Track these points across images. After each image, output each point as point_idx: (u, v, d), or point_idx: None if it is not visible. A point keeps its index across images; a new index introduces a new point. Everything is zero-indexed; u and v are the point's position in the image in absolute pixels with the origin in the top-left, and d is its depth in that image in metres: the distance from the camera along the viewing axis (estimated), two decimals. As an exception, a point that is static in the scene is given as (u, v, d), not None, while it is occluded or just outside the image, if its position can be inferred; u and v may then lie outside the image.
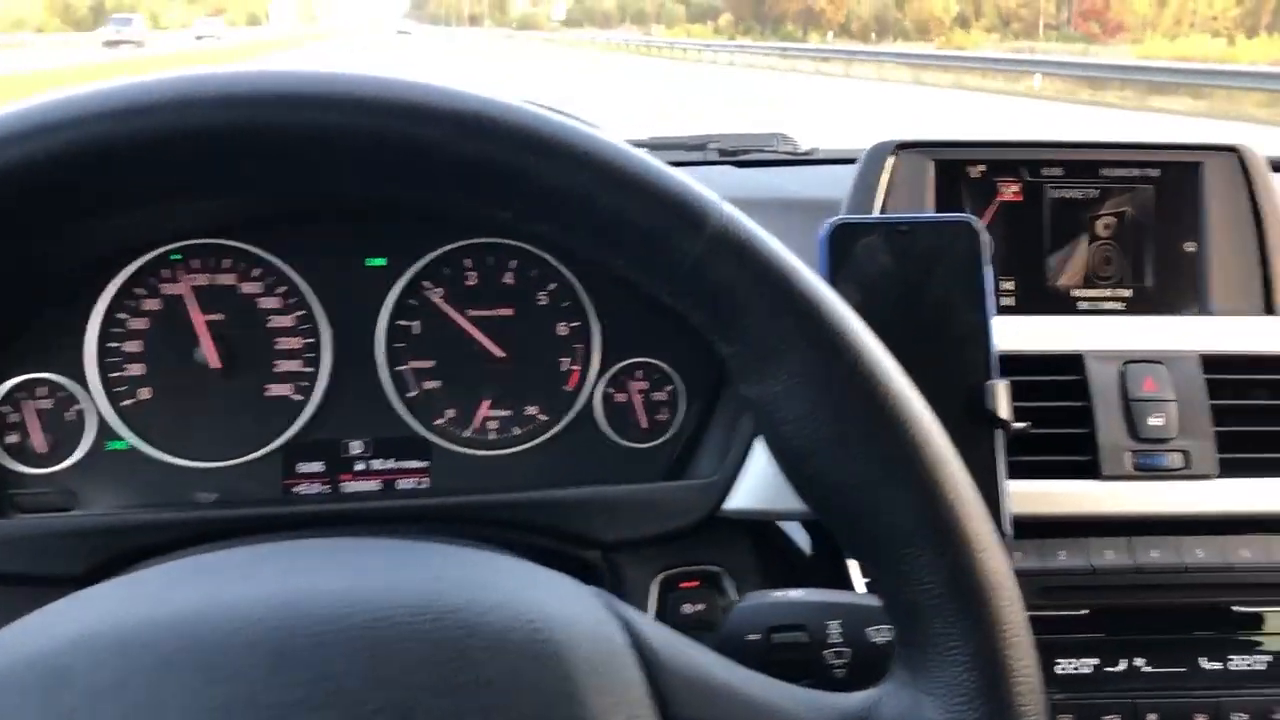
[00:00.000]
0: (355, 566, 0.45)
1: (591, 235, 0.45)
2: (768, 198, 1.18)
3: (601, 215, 0.44)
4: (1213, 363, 0.91)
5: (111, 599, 0.43)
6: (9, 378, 0.88)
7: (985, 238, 0.85)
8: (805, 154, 1.44)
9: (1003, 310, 1.03)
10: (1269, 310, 1.04)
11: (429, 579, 0.44)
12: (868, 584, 0.84)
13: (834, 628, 0.61)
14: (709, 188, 0.45)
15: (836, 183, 1.26)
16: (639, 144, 1.45)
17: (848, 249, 0.85)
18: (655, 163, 0.45)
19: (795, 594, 0.63)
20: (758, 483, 0.87)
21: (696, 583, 0.89)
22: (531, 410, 0.96)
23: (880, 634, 0.60)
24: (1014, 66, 22.92)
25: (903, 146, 1.04)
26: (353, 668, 0.39)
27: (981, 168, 1.04)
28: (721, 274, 0.44)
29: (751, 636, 0.62)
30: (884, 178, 1.03)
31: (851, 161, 1.44)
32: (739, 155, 1.38)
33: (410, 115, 0.42)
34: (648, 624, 0.46)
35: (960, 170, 1.04)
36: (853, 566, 0.87)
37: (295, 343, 0.92)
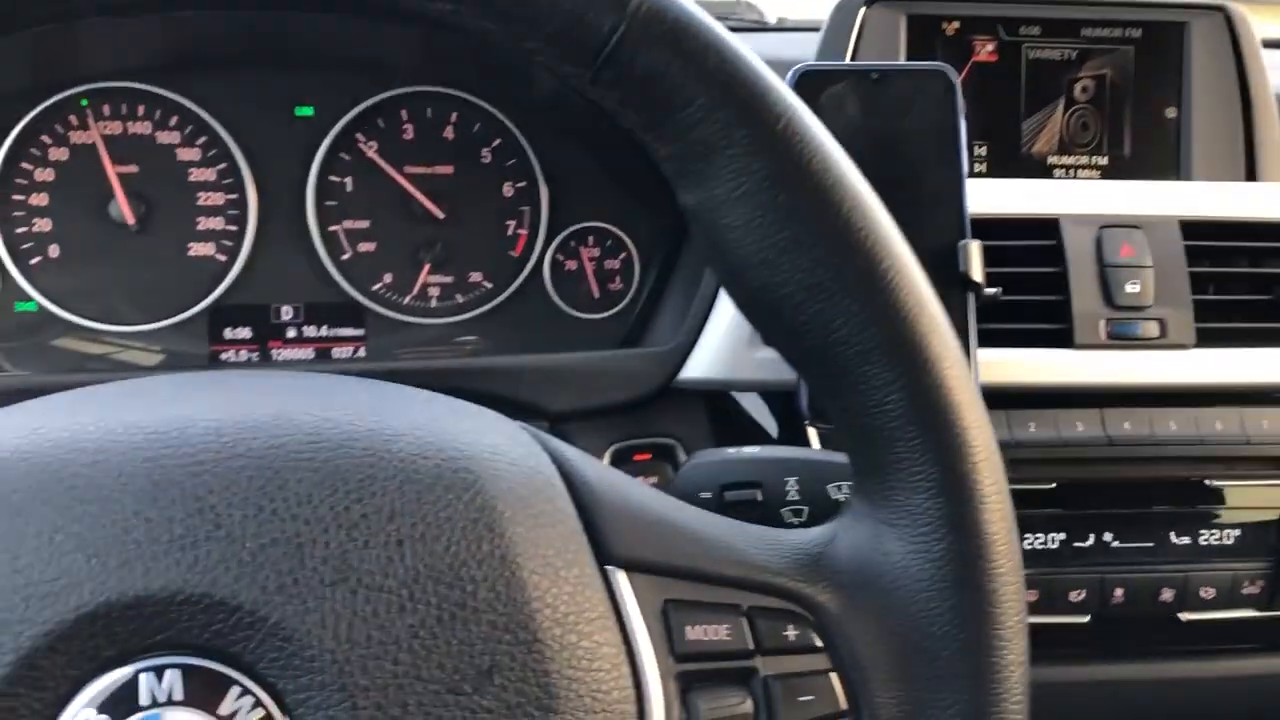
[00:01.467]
0: (247, 393, 0.40)
1: (501, 17, 0.39)
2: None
3: None
4: (1192, 229, 0.86)
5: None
6: None
7: (960, 89, 0.80)
8: (774, 24, 1.37)
9: (974, 176, 0.98)
10: (1251, 180, 1.00)
11: (326, 405, 0.39)
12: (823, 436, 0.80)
13: (791, 484, 0.57)
14: None
15: (807, 47, 1.20)
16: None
17: (813, 99, 0.79)
18: None
19: (749, 451, 0.59)
20: (715, 352, 0.82)
21: (649, 455, 0.85)
22: (475, 277, 0.90)
23: (840, 491, 0.56)
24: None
25: (873, 1, 0.98)
26: (234, 501, 0.34)
27: (956, 24, 0.98)
28: (651, 59, 0.38)
29: (703, 494, 0.57)
30: (853, 33, 0.97)
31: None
32: (702, 22, 1.31)
33: None
34: (580, 458, 0.41)
35: (934, 26, 0.98)
36: (813, 438, 0.83)
37: (218, 198, 0.86)
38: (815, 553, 0.42)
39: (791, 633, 0.40)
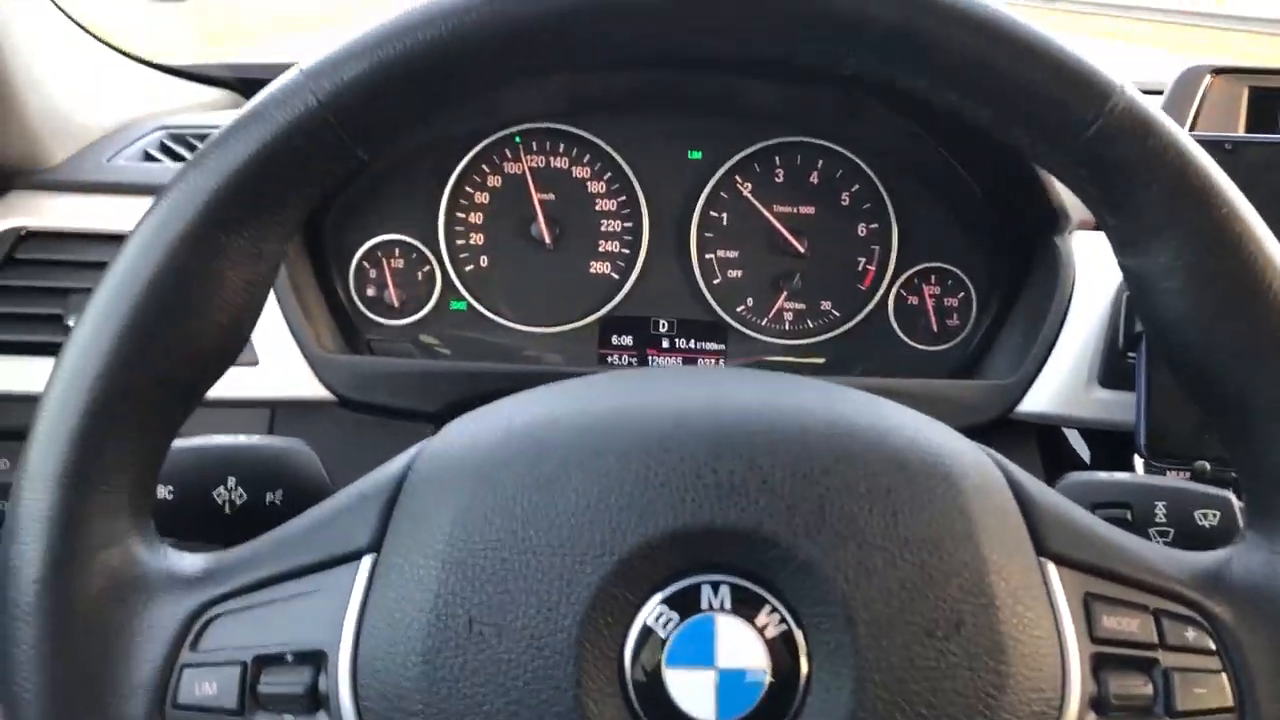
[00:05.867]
0: (769, 385, 0.52)
1: (992, 103, 0.48)
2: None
3: (1005, 83, 0.47)
4: None
5: (569, 394, 0.51)
6: (372, 236, 0.99)
7: None
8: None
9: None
10: None
11: (838, 400, 0.50)
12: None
13: (1159, 508, 0.64)
14: None
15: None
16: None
17: None
18: (1059, 38, 0.49)
19: (1120, 475, 0.67)
20: (1056, 389, 0.90)
21: None
22: (826, 305, 1.01)
23: (1207, 518, 0.63)
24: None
25: (1218, 71, 1.03)
26: (777, 465, 0.45)
27: (1299, 96, 1.02)
28: (1118, 149, 0.47)
29: None
30: (1195, 101, 1.03)
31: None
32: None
33: None
34: (1018, 470, 0.51)
35: (1276, 99, 1.02)
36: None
37: (617, 225, 1.01)
38: (1214, 571, 0.49)
39: (1190, 635, 0.47)
